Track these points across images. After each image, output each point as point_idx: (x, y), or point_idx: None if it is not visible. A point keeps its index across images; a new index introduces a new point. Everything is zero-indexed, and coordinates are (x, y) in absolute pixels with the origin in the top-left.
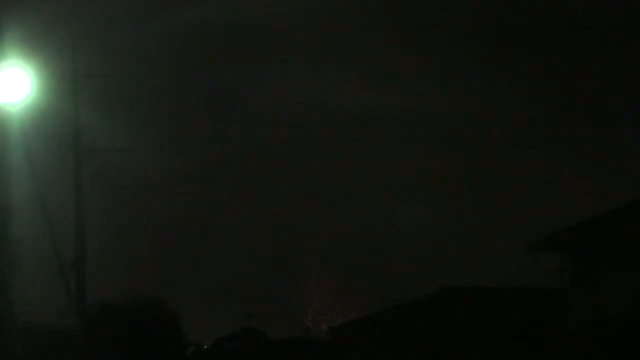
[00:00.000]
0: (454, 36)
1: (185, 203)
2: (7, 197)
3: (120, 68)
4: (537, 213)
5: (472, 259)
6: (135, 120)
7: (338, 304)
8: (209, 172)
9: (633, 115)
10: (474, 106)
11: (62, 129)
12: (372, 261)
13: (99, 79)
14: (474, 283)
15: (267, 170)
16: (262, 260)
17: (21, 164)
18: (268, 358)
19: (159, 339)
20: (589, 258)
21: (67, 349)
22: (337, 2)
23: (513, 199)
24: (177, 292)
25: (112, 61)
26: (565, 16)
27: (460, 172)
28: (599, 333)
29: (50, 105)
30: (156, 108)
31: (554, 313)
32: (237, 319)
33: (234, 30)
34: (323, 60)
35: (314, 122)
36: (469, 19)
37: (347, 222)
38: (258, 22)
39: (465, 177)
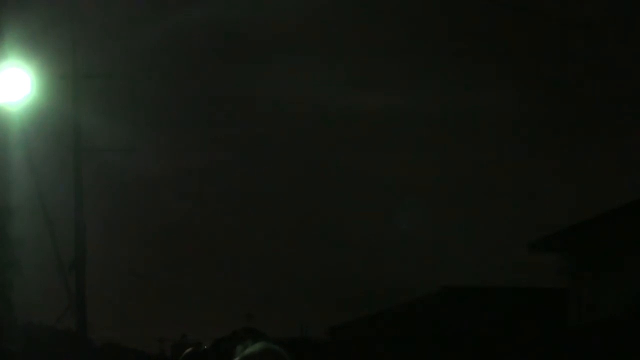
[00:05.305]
0: (454, 36)
1: (185, 203)
2: (7, 197)
3: (120, 68)
4: (537, 213)
5: (472, 259)
6: (135, 120)
7: (337, 304)
8: (209, 172)
9: (632, 115)
10: (474, 106)
11: (62, 129)
12: (372, 261)
13: (99, 79)
14: (474, 283)
15: (266, 170)
16: (261, 260)
17: (21, 164)
18: None
19: None
20: (589, 258)
21: (67, 349)
22: (338, 2)
23: (513, 199)
24: (177, 292)
25: (112, 61)
26: (564, 15)
27: (460, 172)
28: (599, 333)
29: (50, 105)
30: (156, 108)
31: (554, 313)
32: (237, 319)
33: (233, 30)
34: (323, 60)
35: (313, 122)
36: (468, 18)
37: (346, 222)
38: (257, 22)
39: (465, 177)
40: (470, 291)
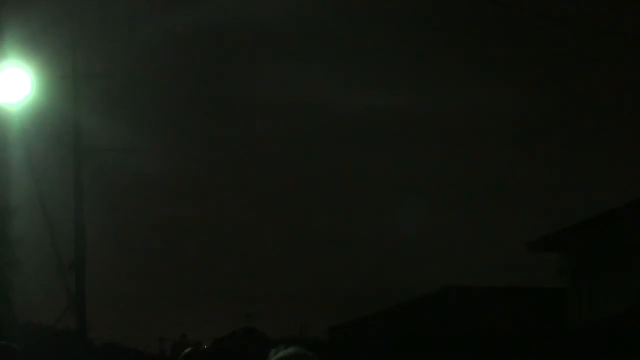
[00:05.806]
0: (455, 35)
1: (186, 203)
2: (7, 197)
3: (120, 68)
4: (537, 213)
5: (472, 259)
6: (135, 120)
7: (337, 304)
8: (209, 172)
9: (632, 115)
10: (474, 105)
11: (62, 129)
12: (372, 261)
13: (99, 79)
14: (474, 283)
15: (266, 170)
16: (262, 260)
17: (21, 164)
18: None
19: None
20: (589, 258)
21: (67, 349)
22: (337, 1)
23: (513, 199)
24: (177, 292)
25: (112, 61)
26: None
27: (461, 172)
28: (599, 333)
29: (50, 105)
30: (156, 108)
31: (554, 313)
32: (237, 319)
33: (233, 30)
34: (324, 60)
35: (314, 122)
36: (469, 17)
37: (347, 222)
38: (257, 22)
39: (465, 177)
40: (470, 291)
